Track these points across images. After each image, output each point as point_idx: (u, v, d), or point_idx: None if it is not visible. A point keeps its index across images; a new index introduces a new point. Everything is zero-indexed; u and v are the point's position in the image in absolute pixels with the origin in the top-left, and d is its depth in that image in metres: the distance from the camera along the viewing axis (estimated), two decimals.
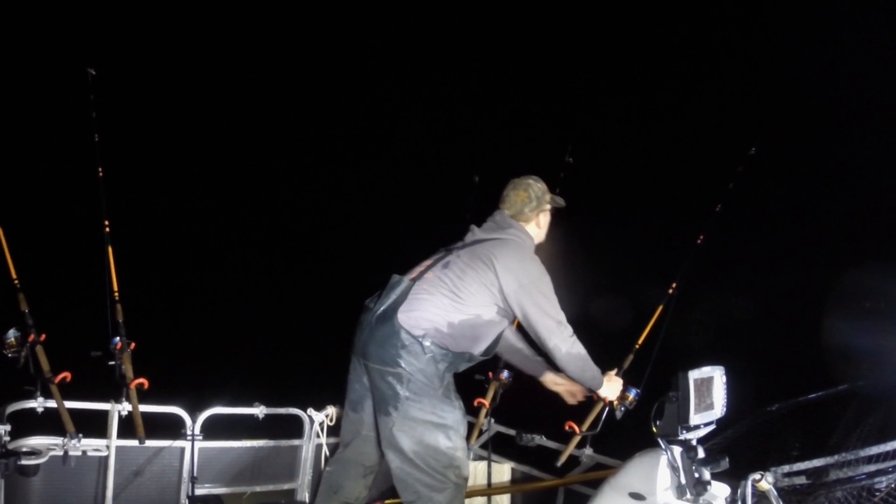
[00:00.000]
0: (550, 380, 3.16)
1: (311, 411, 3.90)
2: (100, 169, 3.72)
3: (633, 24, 7.69)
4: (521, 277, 2.73)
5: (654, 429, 2.12)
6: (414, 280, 2.78)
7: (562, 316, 2.76)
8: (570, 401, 3.20)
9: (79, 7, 7.19)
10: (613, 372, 3.16)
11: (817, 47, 5.85)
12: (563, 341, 2.73)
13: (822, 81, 5.81)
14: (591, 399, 3.68)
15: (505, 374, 4.00)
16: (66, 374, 3.35)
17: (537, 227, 3.03)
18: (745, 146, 3.93)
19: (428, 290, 2.73)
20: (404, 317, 2.67)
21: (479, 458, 4.09)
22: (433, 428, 2.69)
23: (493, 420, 4.07)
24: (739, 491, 2.07)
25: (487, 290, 2.72)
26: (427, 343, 2.65)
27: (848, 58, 5.54)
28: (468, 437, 4.09)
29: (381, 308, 2.73)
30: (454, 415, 2.75)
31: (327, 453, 3.86)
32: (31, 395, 3.32)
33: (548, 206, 3.03)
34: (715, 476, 2.11)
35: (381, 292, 2.79)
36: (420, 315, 2.68)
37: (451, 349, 2.71)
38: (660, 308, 3.82)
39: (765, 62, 6.65)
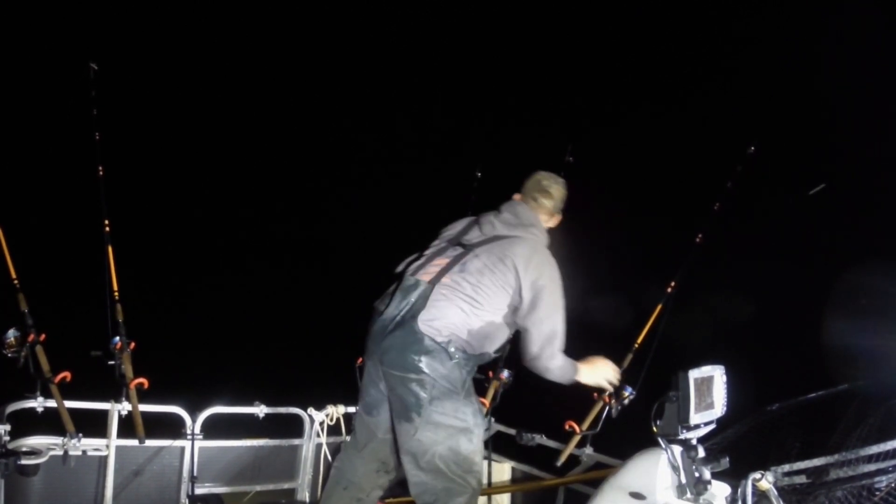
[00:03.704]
0: None
1: (311, 411, 3.89)
2: (100, 168, 3.72)
3: (632, 24, 7.69)
4: (538, 280, 2.66)
5: (655, 428, 2.11)
6: (432, 283, 2.67)
7: (562, 327, 2.71)
8: None
9: None
10: (594, 357, 2.95)
11: (815, 44, 5.86)
12: (552, 358, 2.70)
13: (820, 79, 5.81)
14: (591, 398, 3.70)
15: (505, 373, 3.99)
16: (66, 374, 3.35)
17: (555, 226, 2.98)
18: (744, 144, 3.93)
19: (447, 296, 2.65)
20: (426, 324, 2.60)
21: None
22: (456, 432, 2.63)
23: (493, 419, 4.06)
24: (740, 490, 2.07)
25: (505, 292, 2.66)
26: (452, 349, 2.60)
27: (846, 54, 5.55)
28: None
29: (399, 312, 2.64)
30: (476, 417, 2.70)
31: (327, 453, 3.86)
32: (31, 395, 3.32)
33: (559, 216, 2.99)
34: (715, 475, 2.11)
35: (394, 293, 2.69)
36: (442, 322, 2.61)
37: (471, 352, 2.67)
38: (659, 307, 3.82)
39: (763, 60, 6.65)
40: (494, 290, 2.65)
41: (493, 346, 2.76)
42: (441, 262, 2.74)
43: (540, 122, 8.13)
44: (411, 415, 2.60)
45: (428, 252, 2.85)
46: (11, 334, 3.26)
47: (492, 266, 2.67)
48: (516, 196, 2.97)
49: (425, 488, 2.66)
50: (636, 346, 3.75)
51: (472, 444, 2.68)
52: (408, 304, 2.64)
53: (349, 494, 2.88)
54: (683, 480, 2.08)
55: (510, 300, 2.67)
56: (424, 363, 2.57)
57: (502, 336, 2.78)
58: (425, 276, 2.71)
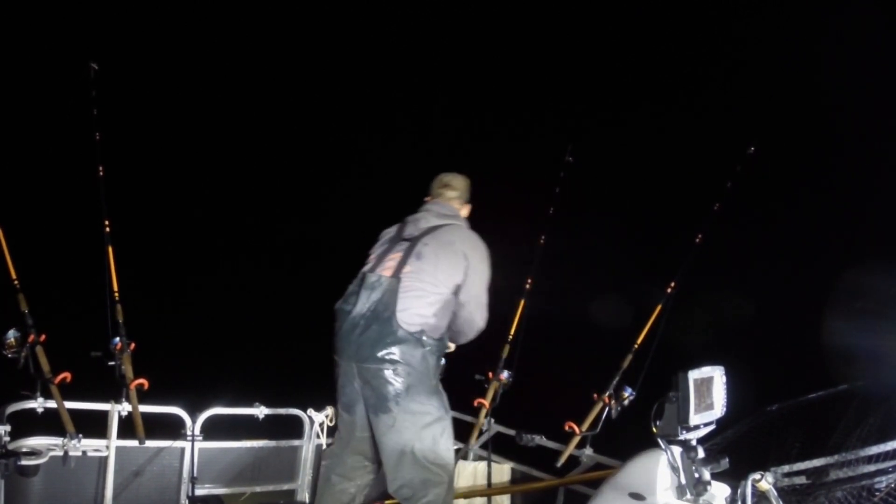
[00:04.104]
0: None
1: (311, 411, 3.90)
2: (100, 168, 3.71)
3: (632, 24, 7.69)
4: (477, 257, 2.91)
5: (654, 429, 2.11)
6: (395, 277, 2.79)
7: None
8: None
9: None
10: None
11: (814, 45, 5.86)
12: (484, 316, 2.96)
13: (819, 80, 5.81)
14: (591, 399, 3.70)
15: (505, 374, 4.00)
16: (66, 375, 3.35)
17: (468, 214, 3.18)
18: (744, 145, 3.93)
19: (414, 287, 2.77)
20: (401, 314, 2.72)
21: (479, 458, 4.09)
22: (433, 422, 2.74)
23: (493, 420, 4.07)
24: (739, 491, 2.07)
25: (458, 271, 2.83)
26: (424, 338, 2.73)
27: (845, 56, 5.55)
28: (468, 438, 4.11)
29: (369, 309, 2.75)
30: (447, 408, 2.85)
31: None
32: (31, 396, 3.32)
33: (468, 205, 3.18)
34: (715, 476, 2.11)
35: (358, 293, 2.80)
36: (414, 311, 2.74)
37: (437, 338, 2.81)
38: (658, 307, 3.81)
39: (762, 61, 6.65)
40: (451, 270, 2.82)
41: (446, 325, 2.89)
42: (395, 256, 2.87)
43: (540, 122, 8.13)
44: (389, 405, 2.69)
45: (375, 254, 2.97)
46: (11, 335, 3.27)
47: (443, 249, 2.85)
48: (427, 199, 3.12)
49: (403, 482, 2.74)
50: (636, 346, 3.75)
51: (446, 434, 2.79)
52: (376, 299, 2.76)
53: (339, 488, 2.97)
54: (683, 481, 2.07)
55: (461, 279, 2.84)
56: (399, 353, 2.69)
57: (449, 314, 2.90)
58: (385, 271, 2.82)
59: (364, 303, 2.76)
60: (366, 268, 2.91)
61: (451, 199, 3.09)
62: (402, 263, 2.81)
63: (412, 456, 2.71)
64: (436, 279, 2.78)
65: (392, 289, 2.75)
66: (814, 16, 5.88)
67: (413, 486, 2.73)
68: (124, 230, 3.78)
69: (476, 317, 2.94)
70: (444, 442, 2.77)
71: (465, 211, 3.13)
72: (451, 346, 3.49)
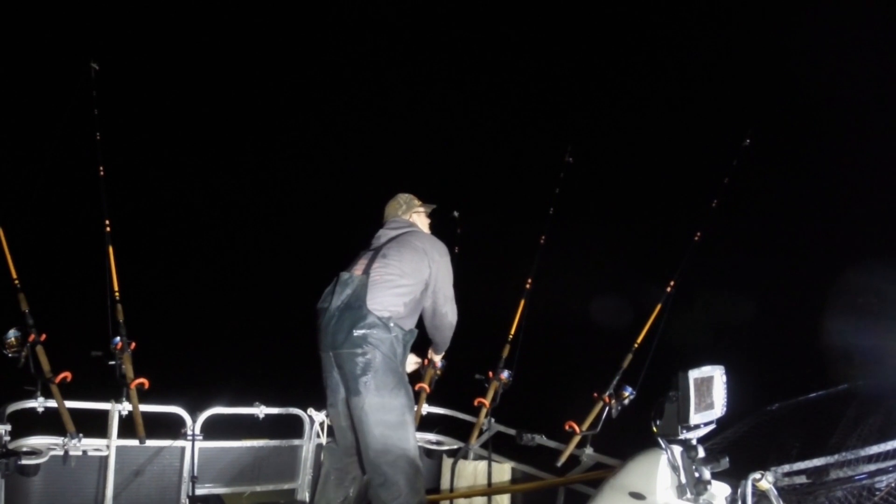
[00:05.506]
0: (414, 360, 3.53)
1: (311, 411, 3.90)
2: (101, 168, 3.71)
3: (628, 23, 7.70)
4: (438, 253, 3.19)
5: (655, 428, 2.11)
6: (365, 273, 3.05)
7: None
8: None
9: None
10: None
11: (810, 39, 5.85)
12: (453, 309, 3.24)
13: (816, 73, 5.81)
14: (591, 398, 3.71)
15: (505, 373, 4.00)
16: (67, 374, 3.36)
17: (428, 213, 3.50)
18: (740, 139, 3.94)
19: (383, 280, 3.03)
20: (372, 304, 2.96)
21: (479, 457, 4.09)
22: (399, 407, 2.93)
23: (493, 420, 4.07)
24: (739, 490, 2.07)
25: (422, 265, 3.10)
26: (392, 324, 2.97)
27: (842, 49, 5.55)
28: (468, 437, 4.11)
29: (342, 300, 3.01)
30: (411, 397, 3.03)
31: None
32: (31, 395, 3.32)
33: (420, 210, 3.47)
34: (715, 475, 2.11)
35: (333, 291, 3.06)
36: (383, 300, 2.98)
37: (406, 328, 3.04)
38: (658, 306, 3.81)
39: (757, 55, 6.65)
40: (416, 264, 3.09)
41: (415, 321, 3.15)
42: (363, 260, 3.17)
43: (540, 123, 8.13)
44: (359, 386, 2.88)
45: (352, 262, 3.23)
46: (12, 334, 3.28)
47: (405, 247, 3.14)
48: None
49: (373, 470, 2.91)
50: (636, 345, 3.75)
51: (411, 421, 2.99)
52: (349, 293, 3.02)
53: (337, 482, 3.17)
54: (683, 480, 2.08)
55: (426, 272, 3.11)
56: (369, 335, 2.92)
57: (419, 311, 3.17)
58: (356, 271, 3.11)
59: (338, 298, 3.01)
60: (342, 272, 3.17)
61: (400, 215, 3.39)
62: (371, 263, 3.10)
63: (382, 438, 2.88)
64: (402, 271, 3.05)
65: (363, 283, 3.02)
66: (811, 11, 5.88)
67: (383, 474, 2.88)
68: (124, 230, 3.78)
69: (446, 309, 3.20)
70: (410, 428, 2.96)
71: (418, 219, 3.40)
72: (437, 359, 3.74)
